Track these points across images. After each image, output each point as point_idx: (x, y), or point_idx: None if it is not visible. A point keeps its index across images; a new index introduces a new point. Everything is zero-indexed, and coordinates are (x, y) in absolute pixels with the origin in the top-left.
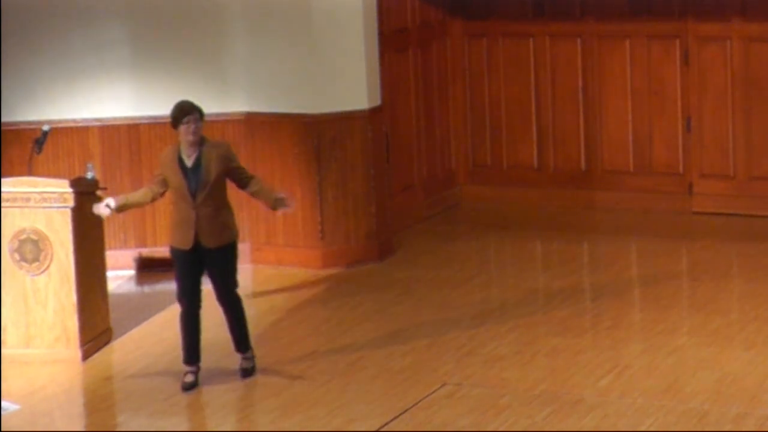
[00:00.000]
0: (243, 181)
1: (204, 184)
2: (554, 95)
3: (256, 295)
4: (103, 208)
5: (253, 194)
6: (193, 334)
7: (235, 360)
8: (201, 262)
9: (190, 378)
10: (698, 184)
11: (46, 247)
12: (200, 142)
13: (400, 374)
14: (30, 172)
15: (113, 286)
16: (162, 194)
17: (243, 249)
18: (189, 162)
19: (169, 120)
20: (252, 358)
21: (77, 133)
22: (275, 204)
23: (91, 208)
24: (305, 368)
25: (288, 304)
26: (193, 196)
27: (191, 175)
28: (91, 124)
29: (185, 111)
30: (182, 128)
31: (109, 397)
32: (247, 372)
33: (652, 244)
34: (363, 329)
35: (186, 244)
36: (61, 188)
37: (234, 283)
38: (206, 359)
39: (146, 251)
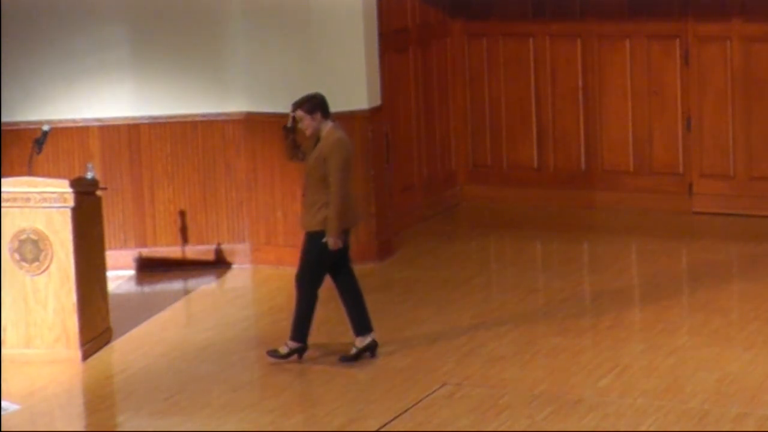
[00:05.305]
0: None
1: None
2: (554, 95)
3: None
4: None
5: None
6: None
7: (235, 361)
8: None
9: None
10: (698, 184)
11: (46, 247)
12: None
13: (400, 374)
14: (30, 172)
15: (113, 286)
16: None
17: (243, 249)
18: None
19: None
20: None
21: (77, 133)
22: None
23: (90, 208)
24: (305, 368)
25: (288, 304)
26: None
27: None
28: (91, 124)
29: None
30: None
31: (109, 397)
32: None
33: (652, 244)
34: None
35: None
36: (61, 188)
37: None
38: (205, 360)
39: (146, 251)
